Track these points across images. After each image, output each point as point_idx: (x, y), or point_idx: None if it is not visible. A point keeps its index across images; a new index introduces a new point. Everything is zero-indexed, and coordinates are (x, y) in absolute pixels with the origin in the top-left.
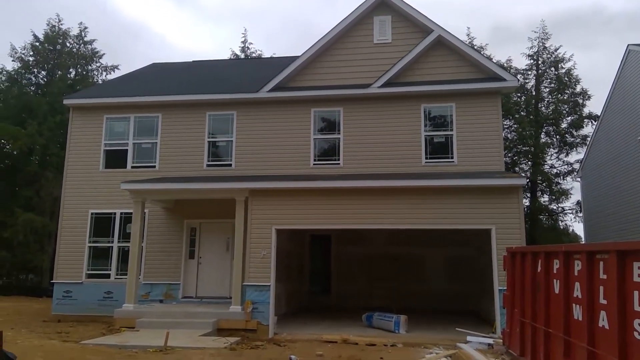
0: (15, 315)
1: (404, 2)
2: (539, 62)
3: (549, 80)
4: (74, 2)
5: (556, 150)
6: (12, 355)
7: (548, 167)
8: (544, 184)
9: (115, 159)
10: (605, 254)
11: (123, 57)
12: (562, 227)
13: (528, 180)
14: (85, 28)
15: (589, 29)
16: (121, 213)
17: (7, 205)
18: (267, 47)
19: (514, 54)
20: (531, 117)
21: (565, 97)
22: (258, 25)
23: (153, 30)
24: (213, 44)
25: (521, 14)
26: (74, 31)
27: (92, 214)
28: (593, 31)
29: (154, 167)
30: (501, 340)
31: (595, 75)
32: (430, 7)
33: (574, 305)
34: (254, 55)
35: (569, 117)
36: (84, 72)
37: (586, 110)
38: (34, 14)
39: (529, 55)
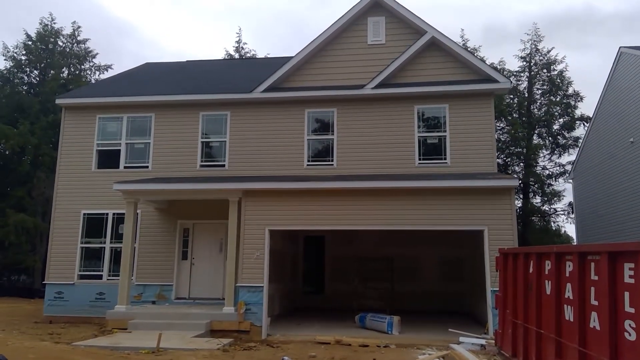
0: (6, 316)
1: (398, 3)
2: (532, 64)
3: (541, 82)
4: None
5: (548, 152)
6: (2, 357)
7: (540, 168)
8: (536, 186)
9: (108, 159)
10: (597, 255)
11: (113, 57)
12: (554, 229)
13: (520, 181)
14: (79, 27)
15: (582, 29)
16: (114, 213)
17: None
18: (259, 44)
19: (506, 53)
20: (523, 118)
21: (557, 99)
22: (250, 22)
23: (144, 29)
24: (205, 43)
25: (513, 13)
26: (67, 30)
27: (84, 214)
28: (586, 32)
29: (147, 167)
30: (494, 341)
31: (588, 76)
32: (423, 7)
33: (565, 306)
34: (248, 55)
35: (561, 119)
36: (77, 72)
37: (578, 112)
38: (22, 10)
39: (521, 57)
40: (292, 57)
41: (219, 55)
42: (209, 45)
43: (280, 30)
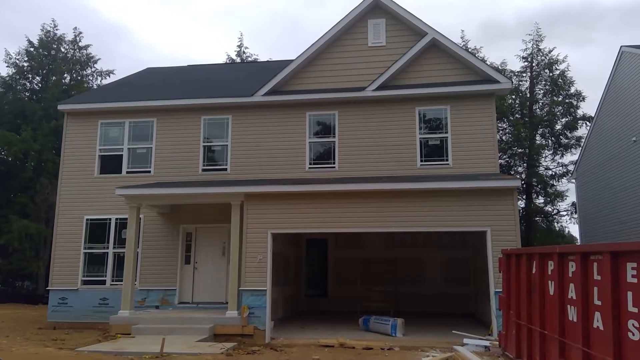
0: (10, 322)
1: (398, 5)
2: (533, 64)
3: (543, 82)
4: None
5: (551, 152)
6: None
7: (543, 169)
8: (539, 186)
9: (110, 164)
10: (599, 255)
11: (108, 60)
12: (557, 229)
13: (523, 182)
14: (80, 33)
15: (581, 24)
16: (116, 219)
17: (2, 211)
18: (254, 46)
19: (505, 50)
20: (526, 119)
21: (559, 99)
22: (245, 23)
23: (138, 32)
24: (201, 44)
25: (513, 9)
26: (69, 36)
27: (87, 220)
28: (586, 26)
29: (149, 172)
30: (497, 343)
31: (589, 71)
32: (421, 5)
33: (568, 306)
34: (249, 59)
35: (564, 119)
36: (79, 78)
37: (580, 112)
38: (15, 14)
39: (523, 57)
40: (292, 60)
41: (215, 57)
42: (205, 46)
43: (275, 31)
